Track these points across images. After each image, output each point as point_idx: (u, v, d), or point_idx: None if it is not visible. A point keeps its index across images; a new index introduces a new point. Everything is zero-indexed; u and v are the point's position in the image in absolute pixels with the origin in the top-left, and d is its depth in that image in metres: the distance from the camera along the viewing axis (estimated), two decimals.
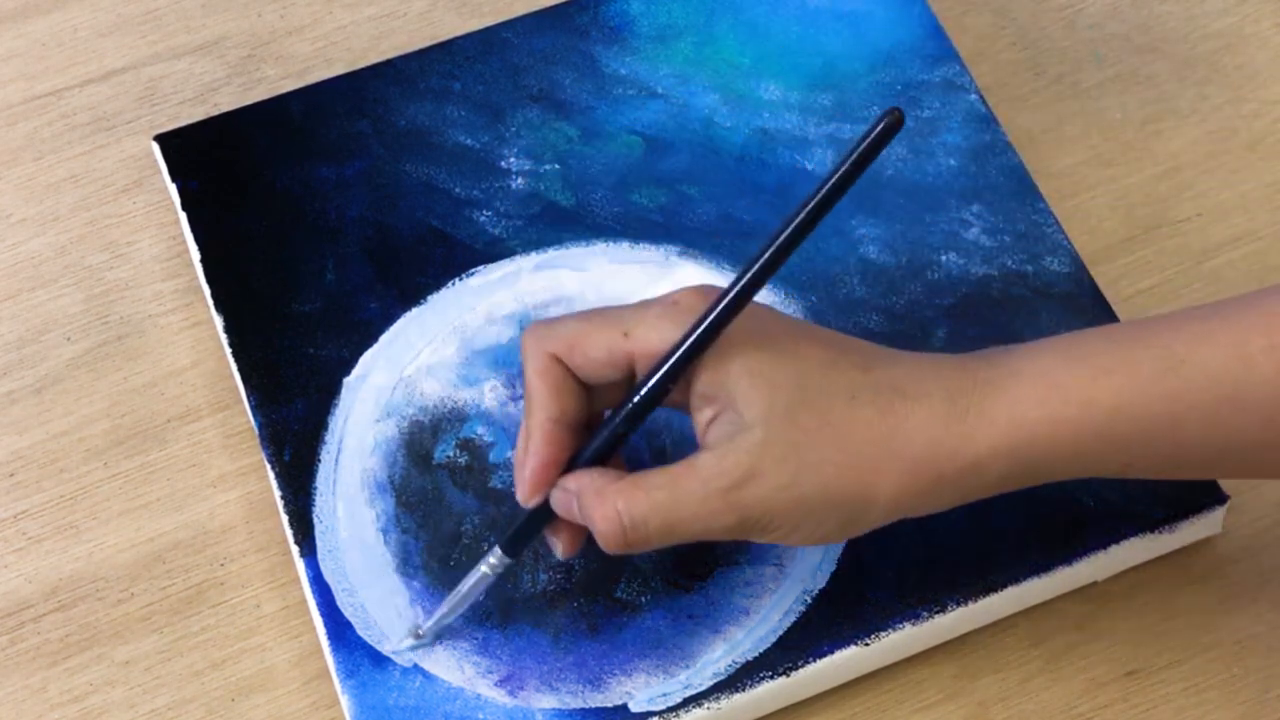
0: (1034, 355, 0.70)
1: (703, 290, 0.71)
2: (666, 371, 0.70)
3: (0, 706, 0.78)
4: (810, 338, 0.71)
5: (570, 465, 0.72)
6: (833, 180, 0.67)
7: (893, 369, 0.70)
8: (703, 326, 0.69)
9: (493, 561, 0.74)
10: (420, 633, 0.76)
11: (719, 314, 0.69)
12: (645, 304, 0.72)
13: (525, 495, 0.72)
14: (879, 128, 0.66)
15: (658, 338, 0.70)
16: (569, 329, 0.72)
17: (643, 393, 0.70)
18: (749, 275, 0.69)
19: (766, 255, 0.69)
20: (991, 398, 0.69)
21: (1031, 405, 0.69)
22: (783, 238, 0.68)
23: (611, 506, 0.69)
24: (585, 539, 0.74)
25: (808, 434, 0.68)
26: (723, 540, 0.70)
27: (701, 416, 0.70)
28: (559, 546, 0.74)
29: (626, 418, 0.71)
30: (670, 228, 0.85)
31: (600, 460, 0.72)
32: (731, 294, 0.69)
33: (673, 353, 0.70)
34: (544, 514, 0.73)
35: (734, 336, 0.69)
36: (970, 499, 0.70)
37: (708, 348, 0.69)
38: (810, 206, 0.68)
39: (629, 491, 0.69)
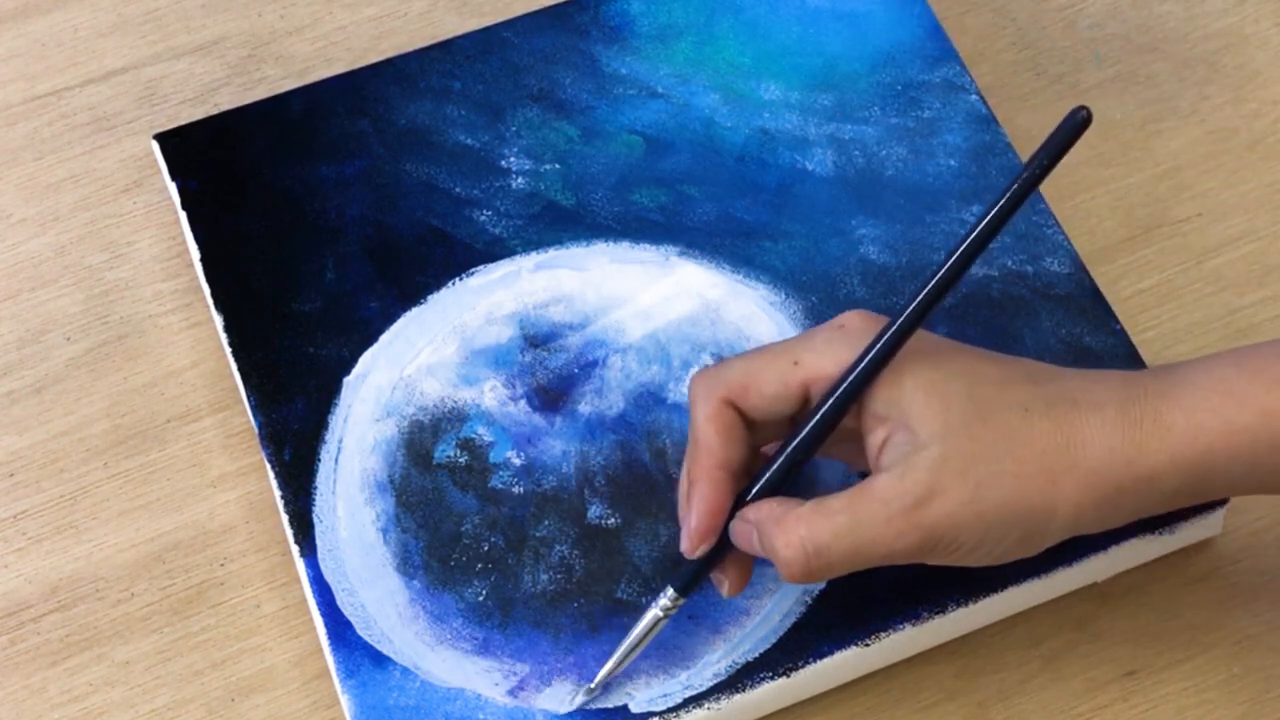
0: (1207, 366, 0.70)
1: (866, 314, 0.72)
2: (848, 387, 0.70)
3: (0, 706, 0.78)
4: (976, 355, 0.71)
5: (743, 497, 0.72)
6: (1019, 184, 0.68)
7: (1062, 382, 0.70)
8: (885, 339, 0.70)
9: (666, 604, 0.74)
10: (592, 687, 0.75)
11: (901, 325, 0.69)
12: (810, 333, 0.73)
13: (692, 546, 0.72)
14: (1068, 126, 0.67)
15: (830, 361, 0.71)
16: (739, 369, 0.72)
17: (823, 411, 0.70)
18: (930, 287, 0.70)
19: (949, 264, 0.69)
20: (1166, 407, 0.69)
21: (1207, 414, 0.69)
22: (965, 246, 0.69)
23: (794, 534, 0.69)
24: (750, 575, 0.74)
25: (985, 447, 0.68)
26: (904, 564, 0.70)
27: (874, 438, 0.70)
28: (725, 585, 0.74)
29: (804, 442, 0.71)
30: (670, 228, 0.85)
31: (774, 490, 0.72)
32: (913, 306, 0.70)
33: (851, 371, 0.70)
34: (715, 552, 0.73)
35: (904, 355, 0.70)
36: (1144, 514, 0.71)
37: (887, 364, 0.70)
38: (997, 209, 0.69)
39: (809, 518, 0.69)
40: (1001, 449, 0.69)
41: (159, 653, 0.79)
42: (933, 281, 0.70)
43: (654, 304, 0.83)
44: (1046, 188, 0.86)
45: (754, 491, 0.72)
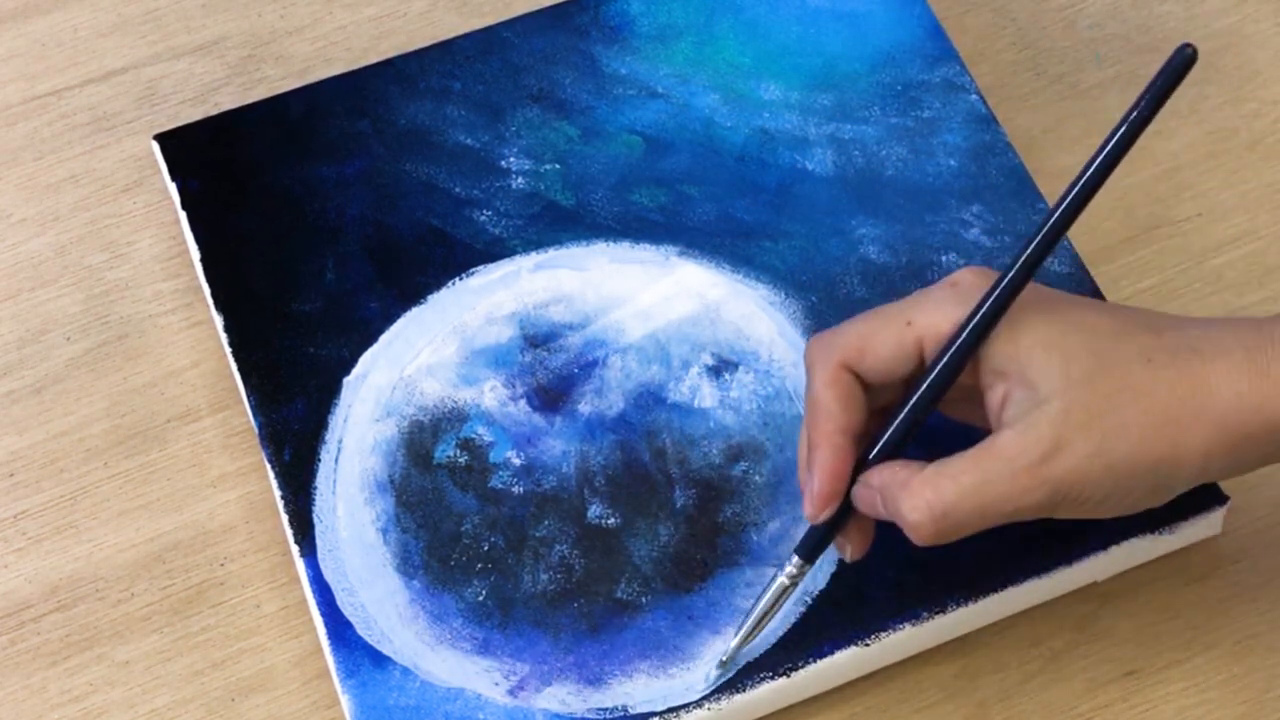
0: None
1: (978, 270, 0.72)
2: (963, 343, 0.70)
3: (0, 706, 0.78)
4: (1093, 307, 0.71)
5: (863, 460, 0.72)
6: (1123, 129, 0.68)
7: (1184, 330, 0.70)
8: (997, 293, 0.69)
9: (791, 571, 0.74)
10: (725, 660, 0.75)
11: (1013, 279, 0.69)
12: (922, 293, 0.72)
13: (815, 511, 0.72)
14: (1173, 64, 0.67)
15: (943, 319, 0.71)
16: (853, 333, 0.72)
17: (939, 368, 0.70)
18: (1040, 239, 0.69)
19: (1056, 217, 0.69)
20: None
21: None
22: (1070, 198, 0.69)
23: (920, 498, 0.69)
24: (872, 539, 0.74)
25: (1108, 400, 0.68)
26: (1031, 519, 0.70)
27: (994, 395, 0.70)
28: (848, 549, 0.74)
29: (922, 400, 0.71)
30: (670, 228, 0.85)
31: (895, 452, 0.71)
32: (1023, 259, 0.69)
33: (965, 326, 0.70)
34: (838, 518, 0.72)
35: (1020, 310, 0.70)
36: (1272, 462, 0.70)
37: (1000, 319, 0.69)
38: (1102, 158, 0.69)
39: (934, 480, 0.69)
40: (1125, 400, 0.68)
41: (159, 653, 0.79)
42: (1041, 234, 0.70)
43: (654, 304, 0.83)
44: (1046, 188, 0.86)
45: (874, 454, 0.72)
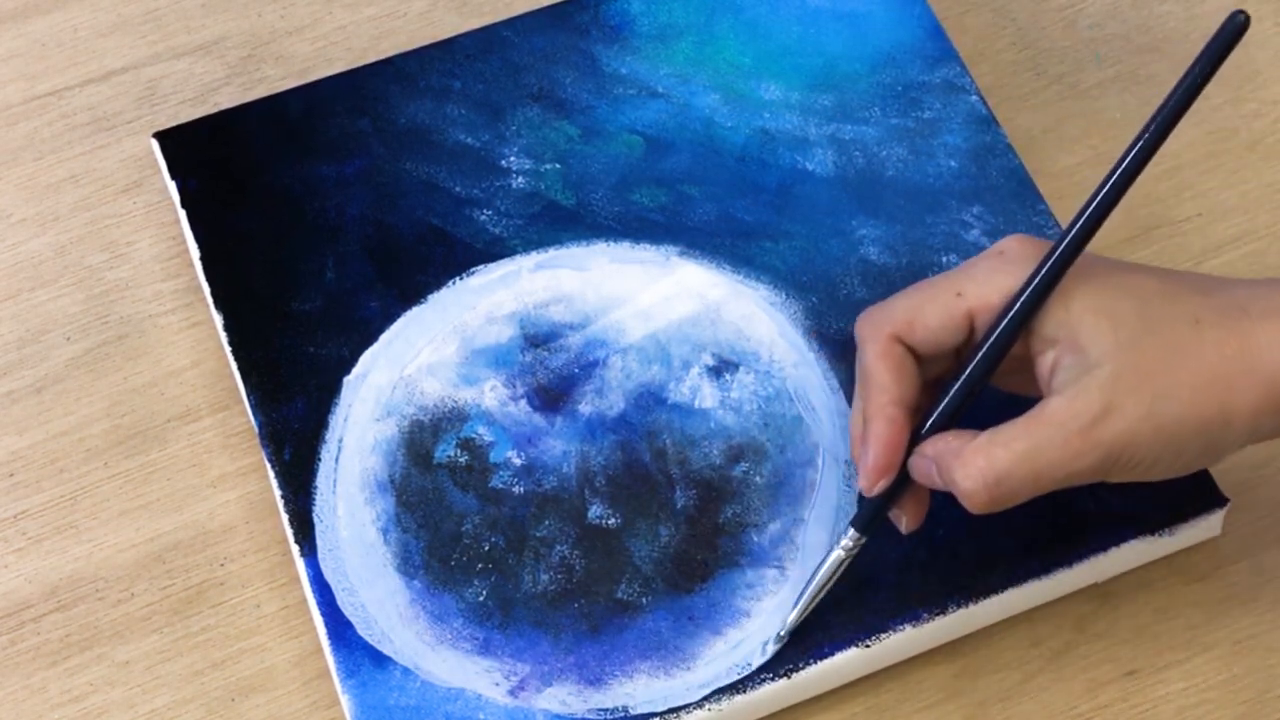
0: None
1: (1024, 238, 0.72)
2: (1017, 313, 0.70)
3: (0, 706, 0.78)
4: (1141, 271, 0.71)
5: (917, 431, 0.72)
6: (1177, 96, 0.68)
7: (1232, 291, 0.70)
8: (1050, 264, 0.70)
9: (847, 544, 0.74)
10: (783, 635, 0.75)
11: (1066, 249, 0.70)
12: (970, 263, 0.73)
13: (870, 483, 0.72)
14: (1226, 31, 0.68)
15: (992, 290, 0.71)
16: (903, 305, 0.73)
17: (993, 339, 0.71)
18: (1094, 208, 0.70)
19: (1111, 184, 0.70)
20: None
21: None
22: (1124, 166, 0.69)
23: (974, 465, 0.69)
24: (928, 510, 0.74)
25: (1158, 361, 0.68)
26: (1085, 484, 0.70)
27: (1044, 361, 0.70)
28: (904, 520, 0.74)
29: (976, 371, 0.71)
30: (670, 228, 0.85)
31: (949, 423, 0.72)
32: (1077, 228, 0.70)
33: (1019, 297, 0.70)
34: (892, 489, 0.73)
35: (1070, 276, 0.70)
36: None
37: (1055, 287, 0.70)
38: (1155, 125, 0.69)
39: (987, 448, 0.69)
40: (1174, 361, 0.68)
41: (159, 653, 0.79)
42: (1096, 202, 0.70)
43: (654, 304, 0.83)
44: (1046, 188, 0.86)
45: (929, 425, 0.72)
